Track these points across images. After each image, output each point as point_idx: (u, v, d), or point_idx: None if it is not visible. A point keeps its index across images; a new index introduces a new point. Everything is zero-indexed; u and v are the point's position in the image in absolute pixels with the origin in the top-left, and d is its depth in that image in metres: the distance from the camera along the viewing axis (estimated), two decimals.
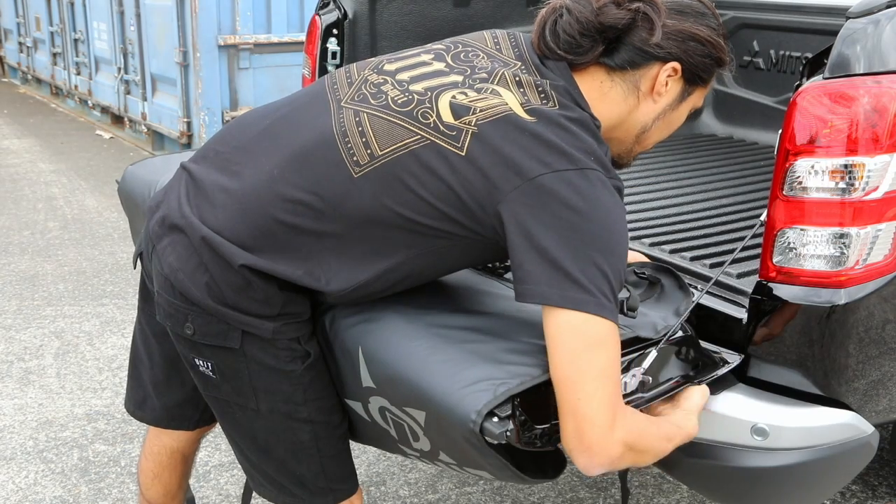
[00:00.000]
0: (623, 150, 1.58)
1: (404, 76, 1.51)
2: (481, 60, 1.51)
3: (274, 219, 1.45)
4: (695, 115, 3.61)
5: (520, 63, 1.49)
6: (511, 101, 1.41)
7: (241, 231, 1.47)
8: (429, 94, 1.46)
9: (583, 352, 1.34)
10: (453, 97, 1.43)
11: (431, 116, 1.42)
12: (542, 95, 1.43)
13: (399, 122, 1.44)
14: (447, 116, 1.42)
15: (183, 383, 1.77)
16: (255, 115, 1.61)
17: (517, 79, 1.45)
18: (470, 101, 1.42)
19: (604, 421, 1.35)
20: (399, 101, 1.46)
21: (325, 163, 1.45)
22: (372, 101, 1.48)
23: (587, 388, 1.34)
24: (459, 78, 1.48)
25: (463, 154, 1.38)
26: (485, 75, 1.47)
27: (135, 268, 1.77)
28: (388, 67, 1.55)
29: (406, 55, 1.58)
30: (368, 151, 1.43)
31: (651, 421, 1.48)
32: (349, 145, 1.44)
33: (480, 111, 1.41)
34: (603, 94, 1.49)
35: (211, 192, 1.52)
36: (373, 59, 1.61)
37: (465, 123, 1.40)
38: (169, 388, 1.83)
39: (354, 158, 1.43)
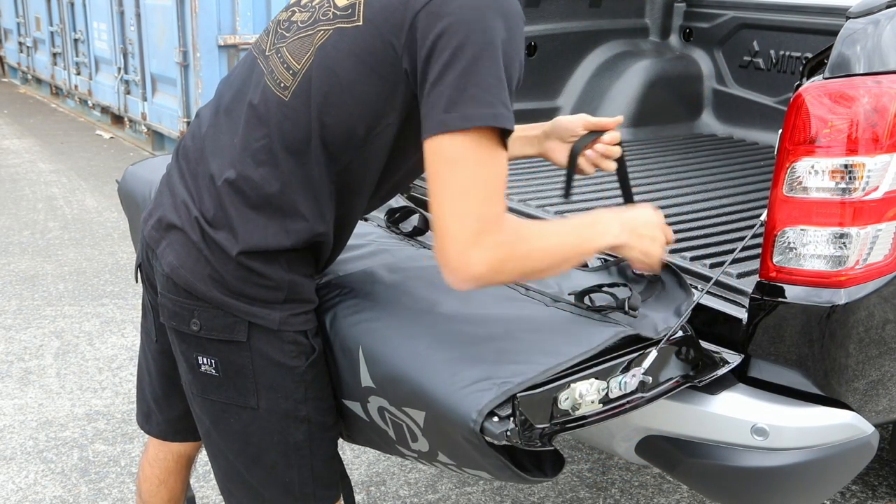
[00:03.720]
0: None
1: None
2: None
3: (244, 177, 1.48)
4: (695, 114, 3.64)
5: None
6: None
7: (226, 209, 1.49)
8: None
9: (444, 167, 1.35)
10: None
11: (330, 11, 1.49)
12: None
13: (307, 34, 1.50)
14: (341, 1, 1.48)
15: (183, 397, 1.76)
16: (211, 103, 1.66)
17: None
18: None
19: (464, 237, 1.34)
20: (305, 20, 1.53)
21: (266, 108, 1.50)
22: (287, 35, 1.55)
23: (446, 204, 1.35)
24: None
25: (360, 24, 1.44)
26: None
27: (136, 282, 1.77)
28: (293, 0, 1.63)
29: None
30: (290, 72, 1.49)
31: (545, 231, 1.49)
32: (276, 78, 1.51)
33: None
34: None
35: (193, 182, 1.55)
36: None
37: None
38: (169, 403, 1.84)
39: (282, 85, 1.50)
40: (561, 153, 1.83)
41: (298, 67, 1.49)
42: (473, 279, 1.37)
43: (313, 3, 1.54)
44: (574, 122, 1.82)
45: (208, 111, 1.63)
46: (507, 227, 1.38)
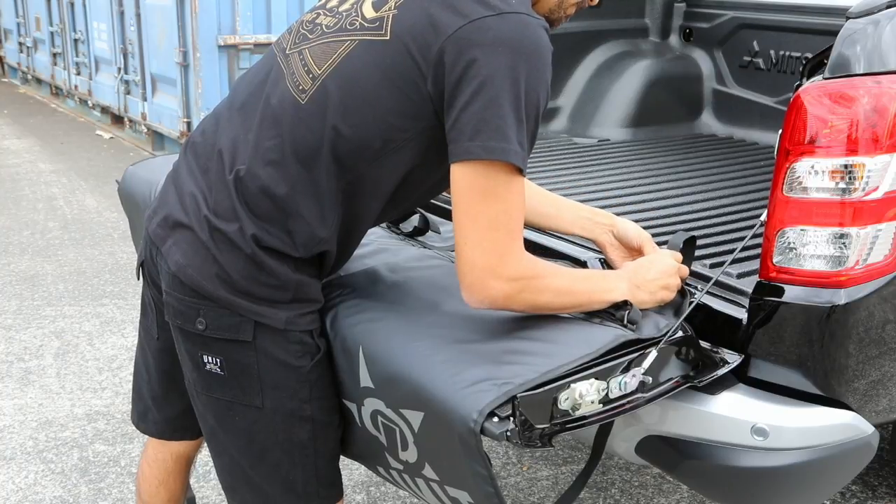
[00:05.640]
0: (553, 4, 1.58)
1: (334, 2, 1.58)
2: None
3: (253, 174, 1.49)
4: (695, 114, 3.64)
5: None
6: None
7: (235, 203, 1.50)
8: (355, 5, 1.53)
9: (477, 199, 1.39)
10: None
11: (358, 21, 1.50)
12: None
13: (332, 40, 1.51)
14: (369, 13, 1.49)
15: (182, 395, 1.77)
16: (225, 100, 1.66)
17: None
18: None
19: (485, 267, 1.41)
20: (331, 25, 1.54)
21: (282, 109, 1.50)
22: (310, 37, 1.56)
23: (471, 233, 1.41)
24: None
25: (387, 38, 1.44)
26: None
27: (138, 279, 1.77)
28: (320, 1, 1.63)
29: None
30: (310, 76, 1.50)
31: (561, 274, 1.54)
32: (295, 80, 1.52)
33: None
34: None
35: (203, 176, 1.56)
36: None
37: (385, 11, 1.47)
38: (168, 401, 1.84)
39: (300, 87, 1.50)
40: (613, 254, 1.83)
41: (319, 72, 1.49)
42: (490, 303, 1.46)
43: (340, 10, 1.54)
44: (633, 238, 1.80)
45: (222, 107, 1.64)
46: (525, 263, 1.46)
